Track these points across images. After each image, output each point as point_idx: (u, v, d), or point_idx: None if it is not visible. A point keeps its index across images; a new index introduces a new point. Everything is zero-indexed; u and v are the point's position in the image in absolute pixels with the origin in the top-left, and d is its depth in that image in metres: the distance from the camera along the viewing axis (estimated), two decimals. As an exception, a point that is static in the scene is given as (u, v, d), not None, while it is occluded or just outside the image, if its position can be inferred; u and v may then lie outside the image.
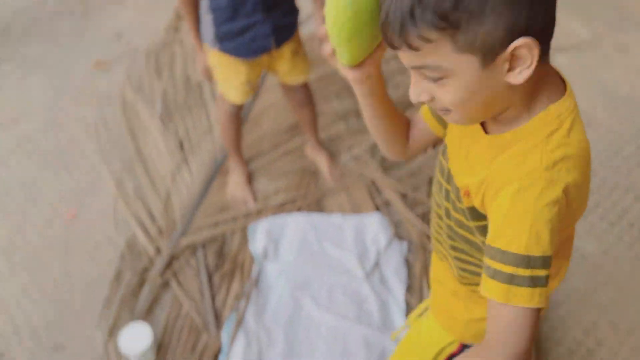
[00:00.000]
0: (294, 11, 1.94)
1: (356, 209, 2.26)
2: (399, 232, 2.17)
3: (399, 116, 1.04)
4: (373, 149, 2.41)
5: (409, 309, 1.93)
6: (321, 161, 2.36)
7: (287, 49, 1.97)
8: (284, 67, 2.02)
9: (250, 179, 2.33)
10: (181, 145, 2.51)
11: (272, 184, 2.34)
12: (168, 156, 2.46)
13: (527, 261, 0.75)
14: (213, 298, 1.99)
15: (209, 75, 2.04)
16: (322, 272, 2.05)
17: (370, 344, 1.83)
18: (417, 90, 0.81)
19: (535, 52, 0.73)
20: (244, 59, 1.90)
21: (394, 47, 0.77)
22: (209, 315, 1.94)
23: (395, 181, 2.30)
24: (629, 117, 2.50)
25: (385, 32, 0.77)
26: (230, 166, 2.32)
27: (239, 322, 1.90)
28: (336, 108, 2.61)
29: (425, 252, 2.08)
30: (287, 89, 2.16)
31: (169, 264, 2.08)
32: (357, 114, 2.55)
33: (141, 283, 2.05)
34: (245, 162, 2.35)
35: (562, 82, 0.85)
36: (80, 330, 1.95)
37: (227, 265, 2.08)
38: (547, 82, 0.82)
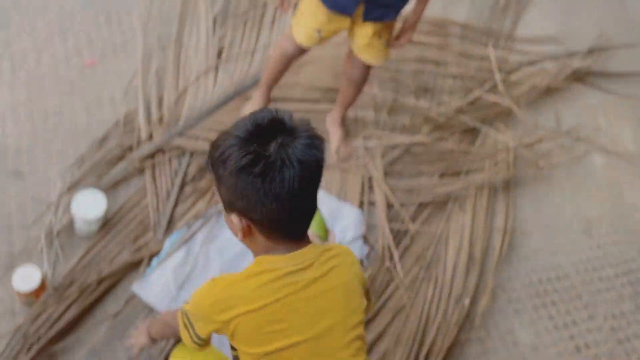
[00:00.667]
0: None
1: (342, 195, 2.27)
2: (367, 236, 2.19)
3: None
4: (387, 151, 2.41)
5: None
6: (334, 135, 2.36)
7: (371, 28, 1.91)
8: (360, 41, 1.98)
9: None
10: (219, 53, 2.49)
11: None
12: (203, 56, 2.44)
13: None
14: (175, 205, 2.02)
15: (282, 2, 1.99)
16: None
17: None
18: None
19: (246, 227, 1.06)
20: (325, 7, 1.88)
21: None
22: (163, 218, 1.98)
23: (390, 189, 2.31)
24: (632, 242, 2.47)
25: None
26: (254, 95, 2.31)
27: (186, 239, 1.94)
28: (376, 96, 2.59)
29: (381, 266, 2.11)
30: (351, 59, 2.11)
31: (153, 154, 2.10)
32: (391, 110, 2.54)
33: (120, 157, 2.07)
34: (270, 100, 2.34)
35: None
36: (44, 170, 1.98)
37: (202, 183, 2.10)
38: (274, 249, 1.10)
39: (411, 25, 2.02)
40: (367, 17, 1.89)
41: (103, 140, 2.09)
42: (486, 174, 2.41)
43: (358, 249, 2.14)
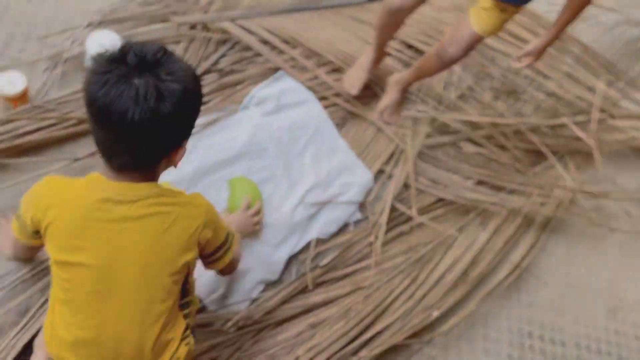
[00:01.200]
0: None
1: (365, 153, 2.08)
2: (364, 206, 1.99)
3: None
4: (434, 133, 2.18)
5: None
6: (389, 96, 2.14)
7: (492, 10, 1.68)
8: (474, 11, 1.73)
9: (373, 67, 2.08)
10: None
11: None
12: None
13: None
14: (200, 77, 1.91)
15: None
16: (280, 159, 1.94)
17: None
18: None
19: None
20: None
21: None
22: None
23: (416, 171, 2.08)
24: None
25: None
26: (368, 49, 2.06)
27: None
28: (455, 74, 2.34)
29: (363, 239, 1.91)
30: (458, 25, 1.81)
31: (195, 26, 1.99)
32: (461, 97, 2.28)
33: (162, 19, 1.98)
34: (382, 56, 2.07)
35: None
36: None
37: (227, 79, 1.97)
38: (106, 171, 1.14)
39: (538, 51, 1.80)
40: None
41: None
42: (529, 202, 2.11)
43: (348, 212, 1.94)
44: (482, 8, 1.70)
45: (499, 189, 2.16)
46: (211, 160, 1.85)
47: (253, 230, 1.75)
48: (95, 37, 1.78)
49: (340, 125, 2.10)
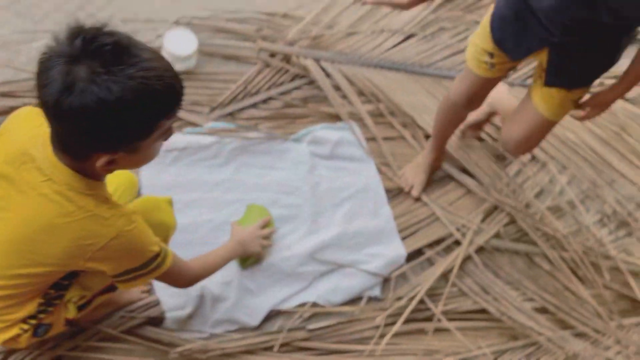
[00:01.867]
0: (604, 56, 1.36)
1: (404, 230, 1.82)
2: (387, 284, 1.70)
3: None
4: (500, 243, 1.85)
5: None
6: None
7: (556, 91, 1.43)
8: (537, 91, 1.47)
9: (432, 171, 1.88)
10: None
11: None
12: (408, 15, 2.16)
13: None
14: (250, 106, 1.87)
15: None
16: (310, 203, 1.77)
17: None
18: None
19: None
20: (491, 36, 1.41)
21: None
22: (231, 106, 1.86)
23: (462, 271, 1.76)
24: None
25: None
26: (427, 149, 1.85)
27: (217, 132, 1.78)
28: (550, 188, 2.00)
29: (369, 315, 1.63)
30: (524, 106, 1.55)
31: (275, 55, 1.95)
32: (558, 212, 1.93)
33: (247, 37, 1.99)
34: (442, 155, 1.87)
35: None
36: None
37: (285, 111, 1.89)
38: None
39: (604, 103, 1.45)
40: (548, 82, 1.41)
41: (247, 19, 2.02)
42: (599, 355, 1.66)
43: (363, 285, 1.68)
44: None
45: (564, 325, 1.74)
46: (241, 179, 1.74)
47: (257, 250, 1.58)
48: (173, 33, 1.83)
49: (392, 194, 1.87)
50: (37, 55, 0.94)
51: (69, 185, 1.01)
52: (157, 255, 1.13)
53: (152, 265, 1.14)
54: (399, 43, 2.08)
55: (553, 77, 1.41)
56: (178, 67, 1.84)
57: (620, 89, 1.40)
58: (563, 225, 1.93)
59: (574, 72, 1.40)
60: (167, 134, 1.03)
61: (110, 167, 1.00)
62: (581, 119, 1.49)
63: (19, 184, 1.04)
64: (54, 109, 0.92)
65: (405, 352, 1.62)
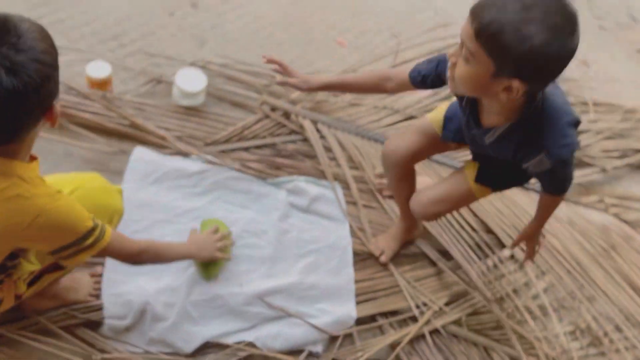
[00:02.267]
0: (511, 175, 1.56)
1: (362, 295, 1.81)
2: (332, 345, 1.68)
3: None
4: (459, 331, 1.81)
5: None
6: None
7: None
8: (471, 169, 1.60)
9: (404, 240, 1.90)
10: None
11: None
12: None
13: None
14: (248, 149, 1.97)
15: None
16: (274, 248, 1.80)
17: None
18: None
19: None
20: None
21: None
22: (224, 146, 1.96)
23: (414, 350, 1.72)
24: None
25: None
26: (398, 218, 1.89)
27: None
28: (530, 283, 1.96)
29: None
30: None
31: (275, 109, 2.07)
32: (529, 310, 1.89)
33: (252, 87, 2.12)
34: (413, 226, 1.88)
35: None
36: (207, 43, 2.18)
37: (288, 160, 1.98)
38: None
39: (529, 236, 1.66)
40: (477, 179, 1.58)
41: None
42: None
43: (305, 338, 1.67)
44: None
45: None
46: (212, 211, 1.80)
47: (214, 255, 1.62)
48: (186, 72, 1.98)
49: (360, 258, 1.88)
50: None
51: (7, 171, 1.06)
52: (92, 230, 1.17)
53: (89, 241, 1.17)
54: (397, 122, 2.16)
55: (481, 176, 1.58)
56: (184, 102, 1.99)
57: (536, 224, 1.61)
58: (531, 328, 1.87)
59: (496, 177, 1.58)
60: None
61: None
62: (525, 259, 1.71)
63: None
64: None
65: None
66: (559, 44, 1.08)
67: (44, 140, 1.80)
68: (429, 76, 1.44)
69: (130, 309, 1.58)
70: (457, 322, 1.83)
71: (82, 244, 1.18)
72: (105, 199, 1.36)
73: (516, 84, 1.14)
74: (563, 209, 2.20)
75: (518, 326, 1.83)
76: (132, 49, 2.12)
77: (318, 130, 2.06)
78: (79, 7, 2.19)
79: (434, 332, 1.78)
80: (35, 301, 1.50)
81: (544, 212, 1.57)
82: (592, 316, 1.95)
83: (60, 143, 1.83)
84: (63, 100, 1.87)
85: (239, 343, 1.62)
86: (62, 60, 1.80)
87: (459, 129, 1.51)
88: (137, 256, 1.34)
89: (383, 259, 1.86)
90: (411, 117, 2.19)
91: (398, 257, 1.90)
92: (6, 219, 1.08)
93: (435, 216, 1.71)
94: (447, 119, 1.58)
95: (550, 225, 2.11)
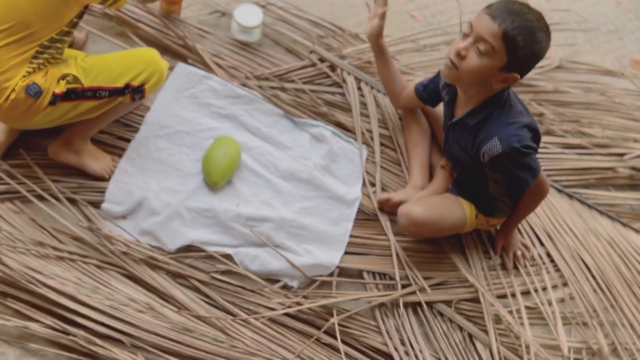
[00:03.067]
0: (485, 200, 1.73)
1: (353, 248, 1.79)
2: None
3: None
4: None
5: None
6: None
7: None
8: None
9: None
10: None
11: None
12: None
13: None
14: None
15: None
16: (280, 180, 1.84)
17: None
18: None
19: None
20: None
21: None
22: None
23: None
24: None
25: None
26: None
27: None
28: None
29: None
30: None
31: (332, 65, 2.11)
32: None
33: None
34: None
35: None
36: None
37: (322, 108, 2.01)
38: None
39: (504, 235, 1.85)
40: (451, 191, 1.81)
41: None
42: None
43: (282, 269, 1.70)
44: None
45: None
46: (233, 134, 1.87)
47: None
48: (245, 7, 2.08)
49: (364, 217, 1.86)
50: None
51: None
52: None
53: None
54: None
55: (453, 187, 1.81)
56: (241, 37, 2.09)
57: (507, 222, 1.81)
58: (533, 333, 1.74)
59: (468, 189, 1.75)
60: None
61: None
62: (513, 264, 1.85)
63: None
64: None
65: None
66: (547, 48, 1.46)
67: (107, 44, 1.98)
68: (429, 86, 1.78)
69: (129, 198, 1.69)
70: (446, 302, 1.75)
71: None
72: (155, 55, 1.65)
73: (515, 76, 1.46)
74: (607, 227, 2.02)
75: (514, 325, 1.71)
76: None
77: (359, 88, 2.07)
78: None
79: (419, 304, 1.72)
80: (59, 148, 1.67)
81: (518, 213, 1.77)
82: (610, 342, 1.78)
83: (120, 48, 1.99)
84: (131, 12, 2.04)
85: (222, 254, 1.67)
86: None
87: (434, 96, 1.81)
88: None
89: (395, 197, 1.82)
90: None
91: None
92: None
93: (420, 236, 1.78)
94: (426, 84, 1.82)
95: (586, 239, 1.96)
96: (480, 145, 1.55)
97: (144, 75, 1.60)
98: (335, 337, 1.58)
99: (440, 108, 1.85)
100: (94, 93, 1.55)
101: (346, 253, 1.77)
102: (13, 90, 1.44)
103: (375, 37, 1.80)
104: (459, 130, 1.63)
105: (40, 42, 1.44)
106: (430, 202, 1.74)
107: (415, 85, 1.83)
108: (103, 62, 1.59)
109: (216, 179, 1.74)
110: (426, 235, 1.77)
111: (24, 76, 1.45)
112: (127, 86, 1.59)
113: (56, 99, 1.50)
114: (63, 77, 1.49)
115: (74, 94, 1.53)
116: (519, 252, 1.84)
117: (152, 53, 1.66)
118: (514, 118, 1.53)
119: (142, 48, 1.79)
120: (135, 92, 1.61)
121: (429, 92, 1.79)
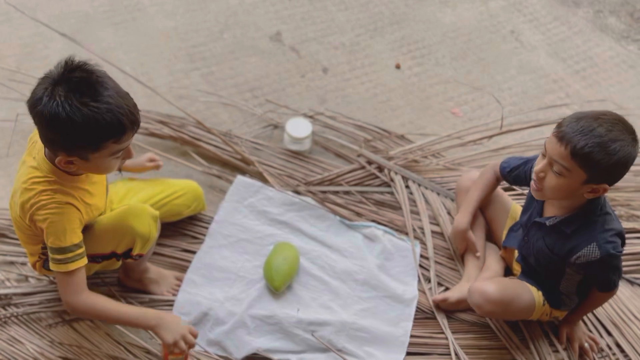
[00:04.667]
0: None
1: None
2: None
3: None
4: None
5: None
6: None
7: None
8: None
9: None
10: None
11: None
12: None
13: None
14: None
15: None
16: (339, 282, 1.90)
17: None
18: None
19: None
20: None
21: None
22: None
23: None
24: None
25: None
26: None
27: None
28: None
29: None
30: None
31: (370, 163, 2.21)
32: None
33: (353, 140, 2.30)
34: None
35: None
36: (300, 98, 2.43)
37: (371, 207, 2.10)
38: None
39: (569, 325, 1.84)
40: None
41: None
42: None
43: None
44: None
45: None
46: (290, 236, 1.98)
47: (168, 339, 1.48)
48: (296, 120, 2.24)
49: (422, 315, 1.88)
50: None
51: (44, 171, 1.43)
52: (64, 249, 1.43)
53: (63, 256, 1.44)
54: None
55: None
56: (293, 147, 2.24)
57: (575, 313, 1.81)
58: None
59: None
60: (119, 154, 1.40)
61: (70, 166, 1.39)
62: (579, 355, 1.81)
63: (25, 160, 1.51)
64: (31, 112, 1.32)
65: None
66: (634, 153, 1.45)
67: (172, 163, 2.16)
68: (516, 170, 1.78)
69: (196, 308, 1.78)
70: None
71: (54, 255, 1.45)
72: (133, 222, 1.57)
73: (604, 187, 1.49)
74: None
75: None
76: (261, 100, 2.46)
77: (407, 187, 2.15)
78: (228, 63, 2.61)
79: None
80: (123, 277, 1.81)
81: (587, 306, 1.78)
82: None
83: (183, 166, 2.17)
84: (192, 132, 2.23)
85: (285, 361, 1.72)
86: (202, 100, 2.10)
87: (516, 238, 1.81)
88: (76, 305, 1.50)
89: (439, 297, 1.86)
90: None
91: (463, 324, 1.87)
92: (25, 202, 1.44)
93: (490, 315, 1.80)
94: (510, 230, 1.87)
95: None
96: (575, 249, 1.59)
97: (125, 243, 1.60)
98: None
99: (498, 204, 1.95)
100: (92, 259, 1.60)
101: (407, 354, 1.78)
102: (35, 266, 1.66)
103: (470, 243, 1.92)
104: (548, 229, 1.65)
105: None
106: (502, 281, 1.78)
107: (501, 164, 1.85)
108: (96, 231, 1.58)
109: (278, 284, 1.81)
110: (496, 316, 1.79)
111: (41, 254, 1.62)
112: (112, 253, 1.62)
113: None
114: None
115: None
116: (586, 345, 1.80)
117: (132, 214, 1.60)
118: (609, 225, 1.57)
119: (129, 211, 1.62)
120: (124, 256, 1.64)
121: (514, 177, 1.81)
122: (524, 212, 1.78)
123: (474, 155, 2.28)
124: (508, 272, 1.93)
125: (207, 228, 1.99)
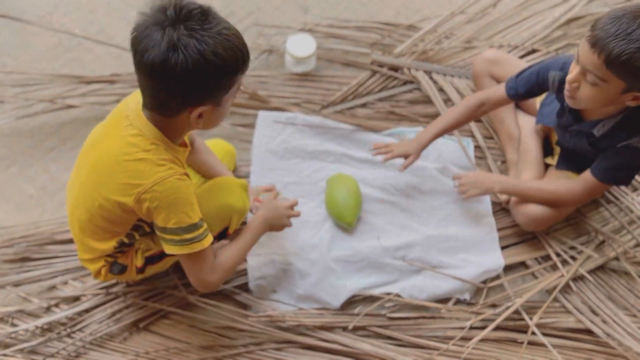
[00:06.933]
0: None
1: (505, 241, 1.73)
2: (479, 291, 1.61)
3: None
4: (616, 265, 1.67)
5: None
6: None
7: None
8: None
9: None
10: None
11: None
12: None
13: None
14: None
15: None
16: (408, 196, 1.77)
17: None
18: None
19: None
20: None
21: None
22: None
23: (568, 288, 1.61)
24: None
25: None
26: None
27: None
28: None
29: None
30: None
31: (386, 66, 2.03)
32: None
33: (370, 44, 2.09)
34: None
35: None
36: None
37: (401, 109, 1.93)
38: None
39: (480, 178, 1.68)
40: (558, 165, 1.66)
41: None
42: None
43: (451, 287, 1.64)
44: None
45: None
46: (335, 166, 1.81)
47: (280, 226, 1.49)
48: (295, 38, 1.99)
49: (495, 209, 1.79)
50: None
51: (151, 137, 1.17)
52: (195, 225, 1.21)
53: (194, 233, 1.21)
54: (520, 57, 2.03)
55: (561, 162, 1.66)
56: (297, 69, 2.00)
57: (515, 181, 1.66)
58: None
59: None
60: (238, 90, 1.17)
61: (199, 120, 1.15)
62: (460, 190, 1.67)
63: (111, 134, 1.23)
64: (161, 69, 1.04)
65: (492, 359, 1.51)
66: None
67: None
68: (528, 88, 1.55)
69: (272, 267, 1.62)
70: (614, 258, 1.69)
71: (187, 234, 1.22)
72: (225, 198, 1.39)
73: None
74: None
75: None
76: (241, 27, 2.16)
77: (433, 80, 1.99)
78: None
79: (592, 270, 1.66)
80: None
81: (544, 184, 1.60)
82: None
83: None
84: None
85: (387, 294, 1.60)
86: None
87: (550, 114, 1.61)
88: (216, 283, 1.32)
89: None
90: (534, 51, 2.04)
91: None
92: (130, 177, 1.17)
93: (541, 229, 1.69)
94: (542, 104, 1.68)
95: None
96: (624, 140, 1.43)
97: (221, 223, 1.41)
98: (528, 333, 1.53)
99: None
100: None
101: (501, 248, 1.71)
102: (100, 273, 1.41)
103: (418, 155, 1.67)
104: (599, 130, 1.46)
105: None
106: (542, 192, 1.62)
107: (508, 92, 1.59)
108: None
109: (350, 219, 1.66)
110: (551, 223, 1.68)
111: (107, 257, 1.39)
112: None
113: (142, 269, 1.42)
114: (136, 250, 1.40)
115: (156, 258, 1.42)
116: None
117: (224, 190, 1.42)
118: None
119: (213, 183, 1.45)
120: (219, 238, 1.44)
121: (519, 96, 1.59)
122: (558, 113, 1.56)
123: (486, 25, 2.12)
124: (547, 146, 1.80)
125: (246, 182, 1.77)
